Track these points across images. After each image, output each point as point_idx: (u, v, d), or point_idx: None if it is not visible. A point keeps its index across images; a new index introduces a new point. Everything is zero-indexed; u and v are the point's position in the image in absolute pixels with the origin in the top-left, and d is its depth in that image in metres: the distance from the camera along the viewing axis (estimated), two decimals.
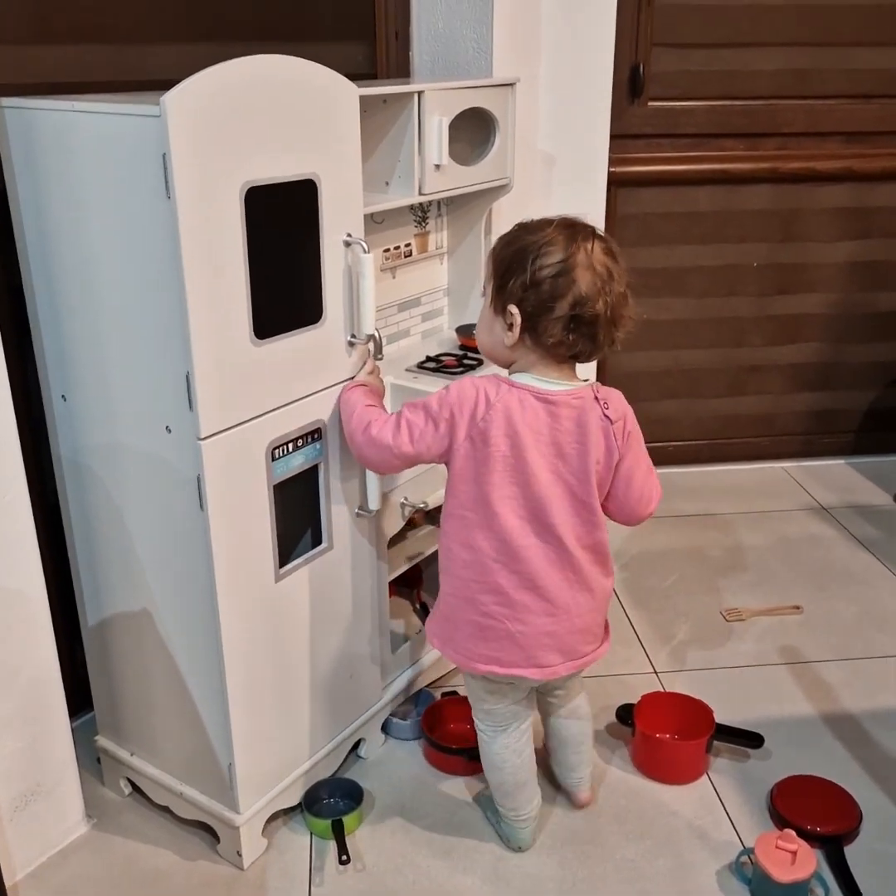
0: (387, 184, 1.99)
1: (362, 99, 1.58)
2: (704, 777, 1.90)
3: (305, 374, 1.54)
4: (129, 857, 1.72)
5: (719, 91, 2.82)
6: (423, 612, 2.18)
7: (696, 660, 2.27)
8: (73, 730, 1.73)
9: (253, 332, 1.43)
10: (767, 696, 2.14)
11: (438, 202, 2.28)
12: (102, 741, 1.84)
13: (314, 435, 1.60)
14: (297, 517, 1.63)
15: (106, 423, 1.51)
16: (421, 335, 2.39)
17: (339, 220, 1.53)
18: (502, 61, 2.32)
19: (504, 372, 1.52)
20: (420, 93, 1.90)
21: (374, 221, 2.08)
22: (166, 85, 1.23)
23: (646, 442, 1.55)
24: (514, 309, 1.42)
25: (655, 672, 2.23)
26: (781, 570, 2.66)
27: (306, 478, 1.61)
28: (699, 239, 2.96)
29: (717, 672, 2.22)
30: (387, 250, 2.20)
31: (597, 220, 2.71)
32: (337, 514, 1.68)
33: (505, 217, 2.45)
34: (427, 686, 2.09)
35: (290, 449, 1.55)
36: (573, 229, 1.44)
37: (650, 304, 3.01)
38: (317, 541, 1.67)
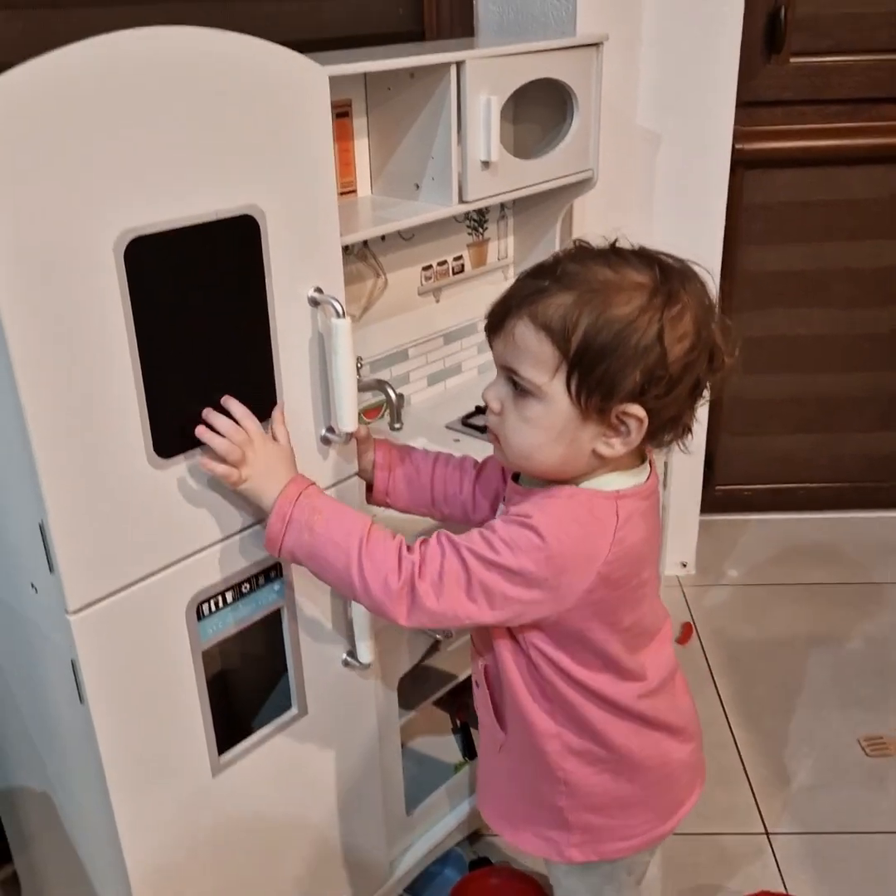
0: (416, 187, 1.48)
1: (380, 75, 1.06)
2: None
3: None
4: None
5: (886, 41, 2.15)
6: (464, 738, 1.69)
7: (822, 817, 1.71)
8: None
9: (152, 449, 0.95)
10: None
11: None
12: None
13: (270, 573, 1.12)
14: (249, 682, 1.17)
15: None
16: (477, 370, 1.88)
17: (300, 268, 1.03)
18: (591, 10, 1.74)
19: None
20: (459, 63, 1.37)
21: (402, 238, 1.58)
22: None
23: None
24: (637, 410, 0.91)
25: (766, 833, 1.69)
26: None
27: (262, 627, 1.14)
28: (850, 234, 2.32)
29: (851, 840, 1.67)
30: (427, 268, 1.69)
31: (715, 212, 2.12)
32: (312, 669, 1.21)
33: (591, 214, 1.90)
34: (458, 844, 1.61)
35: (230, 599, 1.08)
36: (674, 268, 0.95)
37: (782, 317, 2.40)
38: (283, 706, 1.20)
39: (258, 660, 1.18)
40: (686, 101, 2.00)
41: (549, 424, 0.94)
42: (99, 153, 0.83)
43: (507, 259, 1.85)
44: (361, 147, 1.51)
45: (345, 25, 1.61)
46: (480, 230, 1.78)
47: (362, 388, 1.55)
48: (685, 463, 2.23)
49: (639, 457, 1.00)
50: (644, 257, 0.95)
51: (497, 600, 0.93)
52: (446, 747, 1.66)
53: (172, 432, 0.96)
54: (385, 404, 1.69)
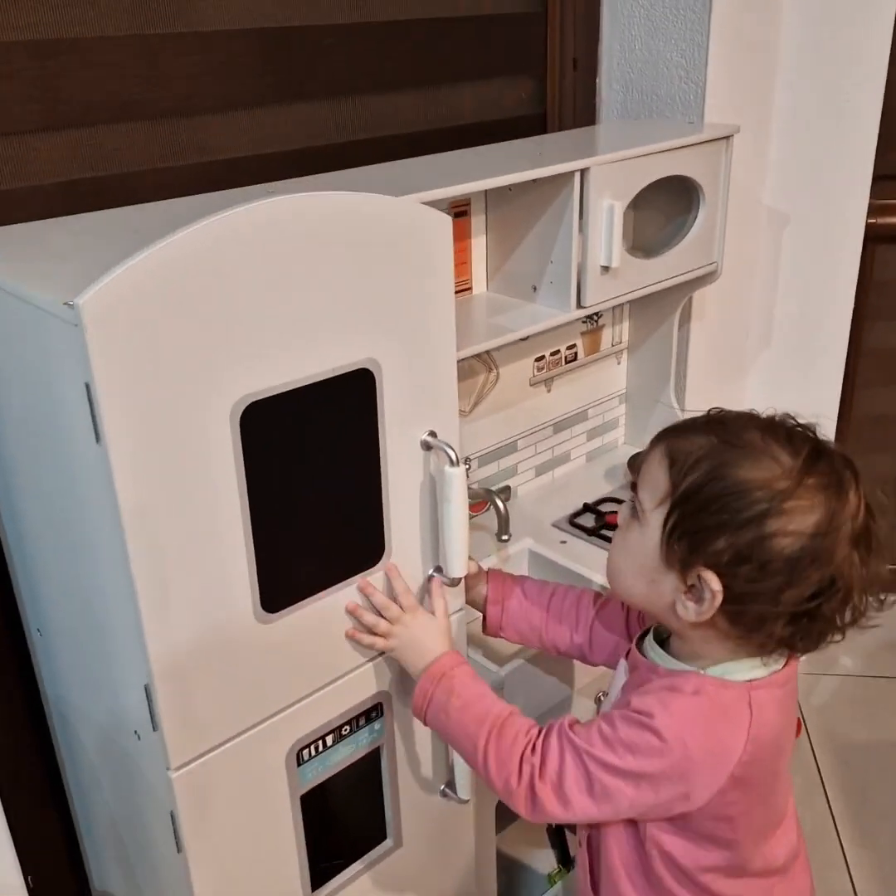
0: (534, 289, 1.44)
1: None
2: None
3: (354, 641, 1.04)
4: None
5: None
6: (560, 843, 1.63)
7: None
8: None
9: (260, 606, 0.93)
10: None
11: None
12: None
13: (371, 713, 1.09)
14: (345, 819, 1.15)
15: (77, 683, 1.08)
16: (585, 457, 1.83)
17: (415, 414, 1.00)
18: (721, 90, 1.67)
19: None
20: (584, 171, 1.33)
21: (519, 339, 1.53)
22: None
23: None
24: (713, 581, 0.85)
25: None
26: None
27: (360, 767, 1.12)
28: None
29: None
30: (539, 359, 1.65)
31: (844, 289, 2.01)
32: (409, 802, 1.18)
33: (713, 301, 1.83)
34: None
35: (330, 743, 1.06)
36: (831, 465, 0.86)
37: None
38: (378, 839, 1.18)
39: (355, 793, 1.16)
40: (819, 178, 1.90)
41: (638, 553, 0.90)
42: (220, 321, 0.81)
43: (621, 344, 1.80)
44: (479, 245, 1.48)
45: (467, 114, 1.58)
46: (595, 318, 1.72)
47: (471, 496, 1.52)
48: None
49: (759, 650, 0.91)
50: (805, 441, 0.87)
51: (623, 804, 0.89)
52: (540, 855, 1.61)
53: (280, 587, 0.94)
54: (490, 505, 1.66)
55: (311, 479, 0.94)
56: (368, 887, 1.18)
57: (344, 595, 1.01)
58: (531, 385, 1.66)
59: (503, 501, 1.37)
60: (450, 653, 1.03)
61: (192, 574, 0.87)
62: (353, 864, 1.15)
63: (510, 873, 1.57)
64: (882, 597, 0.89)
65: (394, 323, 0.95)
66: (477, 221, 1.46)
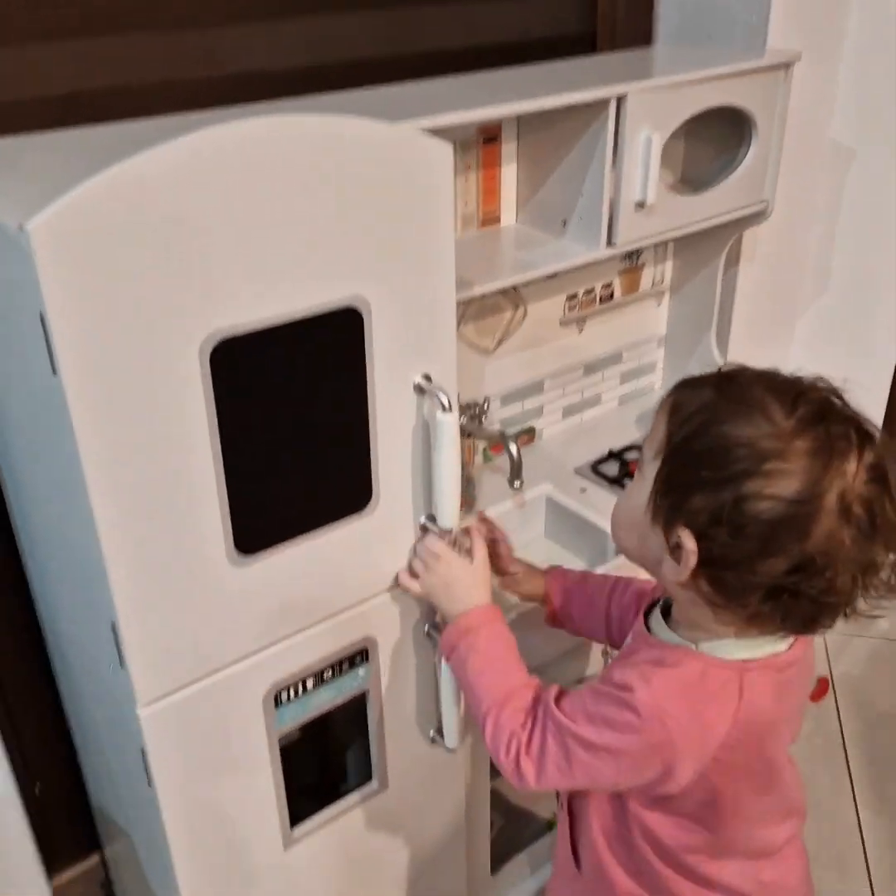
0: (563, 224, 1.36)
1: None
2: None
3: (336, 585, 1.01)
4: None
5: None
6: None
7: None
8: None
9: (233, 548, 0.91)
10: None
11: None
12: None
13: (355, 659, 1.07)
14: (328, 761, 1.14)
15: (66, 611, 1.08)
16: (618, 401, 1.76)
17: (408, 357, 0.95)
18: (787, 11, 1.54)
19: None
20: (620, 98, 1.23)
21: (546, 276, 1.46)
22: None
23: None
24: (688, 541, 0.79)
25: None
26: None
27: (344, 711, 1.10)
28: None
29: None
30: (571, 297, 1.58)
31: None
32: (396, 747, 1.17)
33: (766, 242, 1.72)
34: None
35: (310, 686, 1.05)
36: (828, 430, 0.77)
37: None
38: (362, 780, 1.17)
39: (338, 736, 1.15)
40: (891, 112, 1.76)
41: (634, 506, 0.86)
42: (185, 252, 0.77)
43: (662, 285, 1.71)
44: (509, 174, 1.40)
45: (509, 30, 1.48)
46: (635, 256, 1.64)
47: (485, 437, 1.47)
48: None
49: (760, 628, 0.85)
50: (810, 403, 0.79)
51: (605, 780, 0.87)
52: (541, 800, 1.60)
53: (256, 530, 0.91)
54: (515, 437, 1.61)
55: (292, 422, 0.90)
56: (352, 828, 1.17)
57: (328, 540, 0.98)
58: (561, 324, 1.59)
59: (517, 446, 1.32)
60: (482, 608, 1.00)
61: (158, 513, 0.84)
62: (336, 803, 1.15)
63: (509, 817, 1.56)
64: (892, 581, 0.81)
65: (384, 260, 0.89)
66: (508, 148, 1.38)
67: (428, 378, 0.97)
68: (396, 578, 1.05)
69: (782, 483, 0.76)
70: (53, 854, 1.55)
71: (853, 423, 0.79)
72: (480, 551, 1.03)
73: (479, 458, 1.57)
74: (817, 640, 2.15)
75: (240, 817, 1.05)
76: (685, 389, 0.86)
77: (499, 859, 1.47)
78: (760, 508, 0.76)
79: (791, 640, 0.87)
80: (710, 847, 0.91)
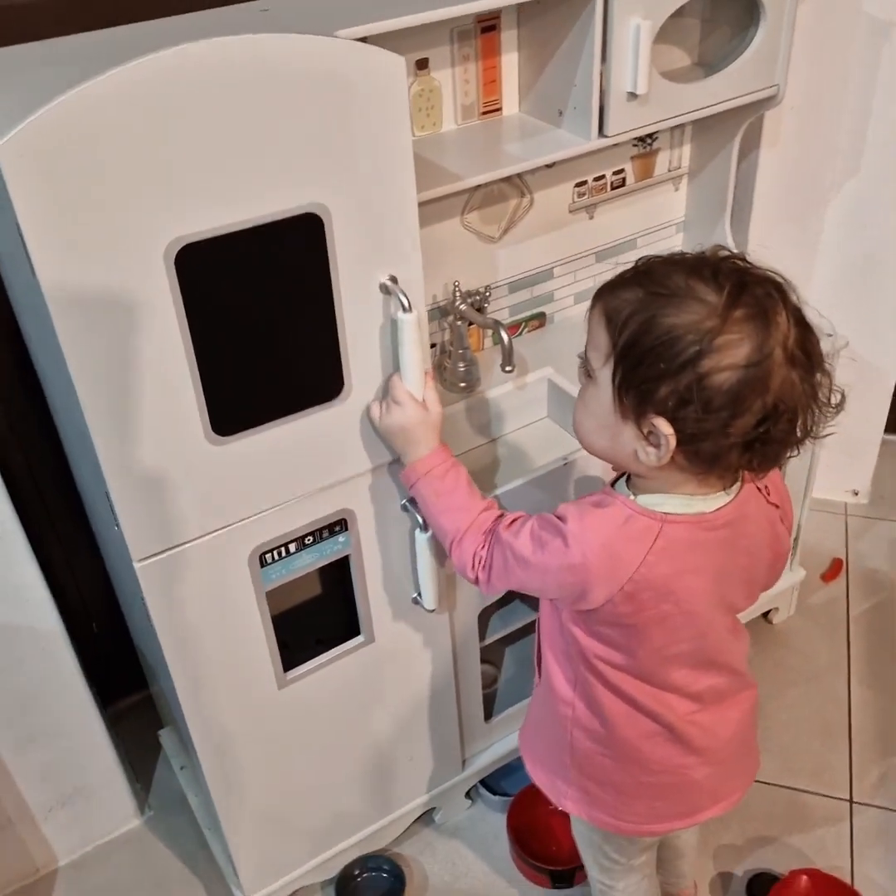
0: (560, 113, 1.39)
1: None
2: None
3: (313, 465, 1.13)
4: (157, 862, 1.65)
5: None
6: None
7: None
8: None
9: (211, 429, 1.03)
10: None
11: None
12: (164, 737, 1.73)
13: (335, 527, 1.20)
14: (316, 616, 1.28)
15: (85, 465, 1.23)
16: None
17: (373, 260, 1.03)
18: None
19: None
20: None
21: (544, 165, 1.49)
22: None
23: None
24: (663, 426, 0.89)
25: (851, 801, 1.67)
26: None
27: (330, 570, 1.24)
28: None
29: None
30: (580, 184, 1.60)
31: None
32: (380, 605, 1.30)
33: (790, 124, 1.70)
34: None
35: (293, 549, 1.18)
36: (754, 294, 0.88)
37: None
38: (351, 632, 1.32)
39: (325, 593, 1.29)
40: None
41: (596, 411, 0.96)
42: (147, 165, 0.86)
43: (680, 169, 1.71)
44: (510, 62, 1.42)
45: None
46: (648, 141, 1.64)
47: (481, 325, 1.55)
48: (870, 368, 2.03)
49: (720, 480, 0.96)
50: (729, 275, 0.88)
51: (530, 586, 1.06)
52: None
53: (230, 414, 1.03)
54: (524, 323, 1.68)
55: (261, 320, 1.00)
56: (343, 676, 1.32)
57: (304, 425, 1.09)
58: (570, 212, 1.62)
59: (507, 333, 1.39)
60: (436, 449, 1.12)
61: (140, 399, 0.96)
62: (327, 653, 1.30)
63: (516, 665, 1.71)
64: (834, 401, 0.92)
65: (342, 169, 0.96)
66: (508, 37, 1.39)
67: (394, 279, 1.05)
68: (367, 410, 1.13)
69: (735, 352, 0.85)
70: (112, 686, 1.78)
71: (768, 280, 0.89)
72: (433, 395, 1.13)
73: (488, 342, 1.65)
74: (838, 523, 2.21)
75: (236, 663, 1.21)
76: (610, 294, 0.93)
77: (501, 709, 1.63)
78: (722, 380, 0.86)
79: (726, 500, 0.97)
80: (629, 668, 1.04)
